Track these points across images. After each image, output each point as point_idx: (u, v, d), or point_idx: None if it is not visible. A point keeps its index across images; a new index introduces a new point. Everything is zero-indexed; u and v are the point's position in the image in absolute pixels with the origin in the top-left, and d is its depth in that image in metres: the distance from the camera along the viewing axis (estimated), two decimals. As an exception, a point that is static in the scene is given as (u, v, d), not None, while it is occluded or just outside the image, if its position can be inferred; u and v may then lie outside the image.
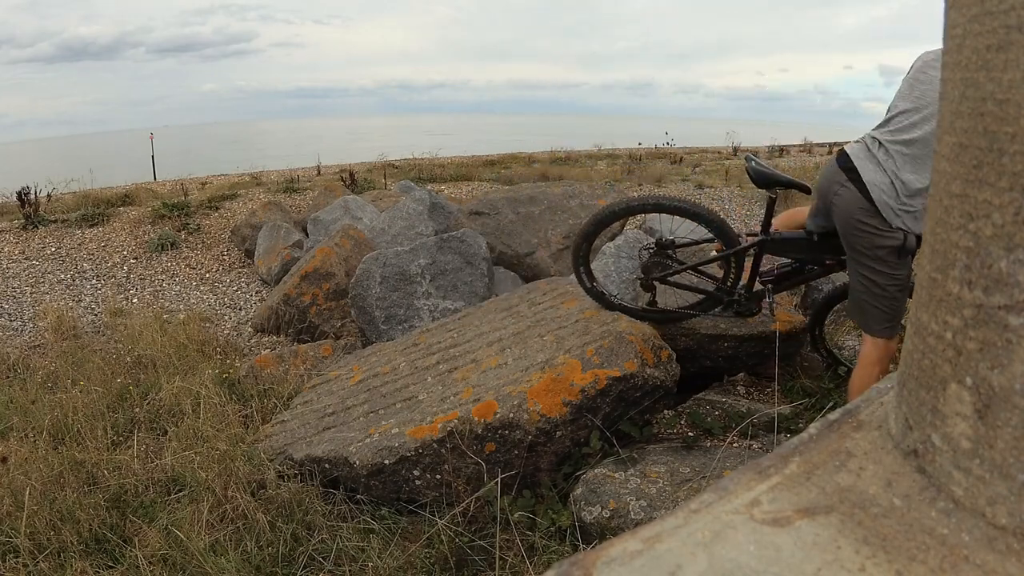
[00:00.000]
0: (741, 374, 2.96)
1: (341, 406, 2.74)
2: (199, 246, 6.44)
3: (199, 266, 6.10)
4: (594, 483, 2.11)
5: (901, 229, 1.99)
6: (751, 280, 2.60)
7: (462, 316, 3.28)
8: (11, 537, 2.12)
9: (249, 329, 4.74)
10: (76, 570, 1.99)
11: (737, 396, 2.78)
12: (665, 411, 2.62)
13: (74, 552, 2.09)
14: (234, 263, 6.19)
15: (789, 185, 2.39)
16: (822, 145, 15.32)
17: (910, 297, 2.09)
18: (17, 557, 2.06)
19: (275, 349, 4.06)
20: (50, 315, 4.75)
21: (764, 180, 2.39)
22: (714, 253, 2.60)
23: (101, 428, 2.88)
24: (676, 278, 2.63)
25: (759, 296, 2.61)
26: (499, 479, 2.14)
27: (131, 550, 2.08)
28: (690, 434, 2.43)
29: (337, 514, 2.26)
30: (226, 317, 5.11)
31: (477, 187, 8.39)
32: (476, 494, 2.12)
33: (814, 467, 0.54)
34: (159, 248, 6.23)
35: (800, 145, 15.18)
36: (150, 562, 2.02)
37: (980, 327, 0.46)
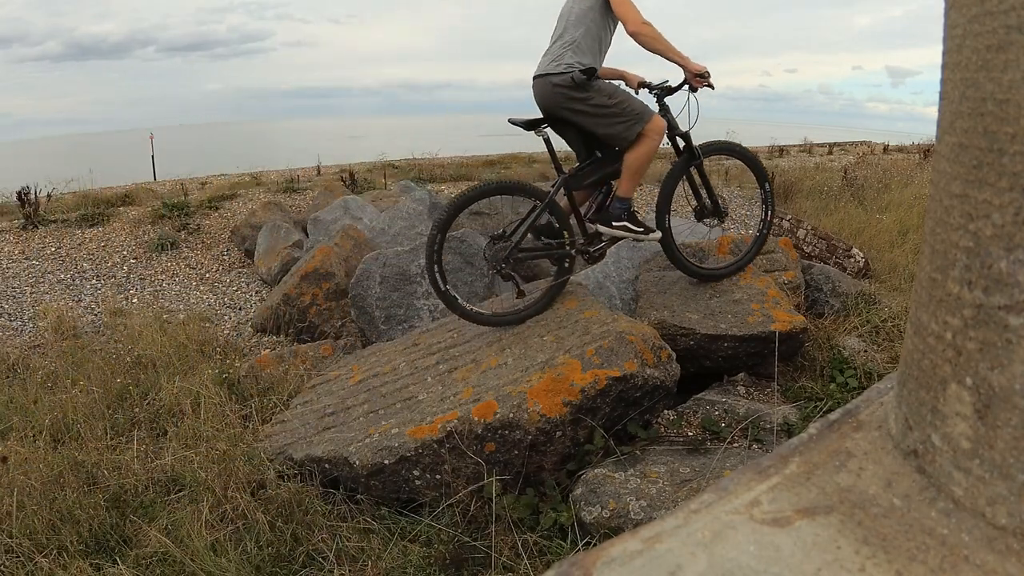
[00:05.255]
0: (741, 374, 2.95)
1: (341, 406, 2.74)
2: (199, 246, 6.44)
3: (199, 266, 6.10)
4: (594, 483, 2.11)
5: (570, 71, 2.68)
6: (580, 223, 2.89)
7: (462, 316, 3.28)
8: (11, 537, 2.12)
9: (249, 329, 4.74)
10: (76, 570, 1.99)
11: (737, 396, 2.78)
12: (666, 412, 2.62)
13: (74, 552, 2.09)
14: (234, 263, 6.19)
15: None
16: (822, 145, 15.29)
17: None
18: (17, 557, 2.06)
19: (275, 349, 4.06)
20: (50, 315, 4.75)
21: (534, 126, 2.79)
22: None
23: (101, 428, 2.88)
24: (525, 254, 2.81)
25: (594, 236, 2.90)
26: (495, 479, 2.14)
27: (131, 550, 2.08)
28: (690, 434, 2.43)
29: (337, 514, 2.25)
30: (226, 317, 5.11)
31: (477, 187, 8.37)
32: (471, 489, 2.12)
33: (814, 467, 0.54)
34: (159, 248, 6.23)
35: (800, 145, 15.15)
36: (150, 562, 2.02)
37: (980, 327, 0.46)
